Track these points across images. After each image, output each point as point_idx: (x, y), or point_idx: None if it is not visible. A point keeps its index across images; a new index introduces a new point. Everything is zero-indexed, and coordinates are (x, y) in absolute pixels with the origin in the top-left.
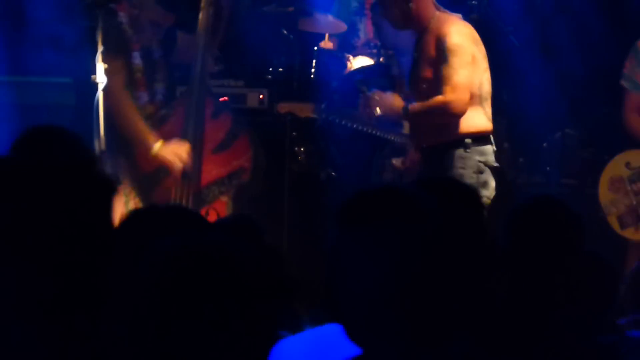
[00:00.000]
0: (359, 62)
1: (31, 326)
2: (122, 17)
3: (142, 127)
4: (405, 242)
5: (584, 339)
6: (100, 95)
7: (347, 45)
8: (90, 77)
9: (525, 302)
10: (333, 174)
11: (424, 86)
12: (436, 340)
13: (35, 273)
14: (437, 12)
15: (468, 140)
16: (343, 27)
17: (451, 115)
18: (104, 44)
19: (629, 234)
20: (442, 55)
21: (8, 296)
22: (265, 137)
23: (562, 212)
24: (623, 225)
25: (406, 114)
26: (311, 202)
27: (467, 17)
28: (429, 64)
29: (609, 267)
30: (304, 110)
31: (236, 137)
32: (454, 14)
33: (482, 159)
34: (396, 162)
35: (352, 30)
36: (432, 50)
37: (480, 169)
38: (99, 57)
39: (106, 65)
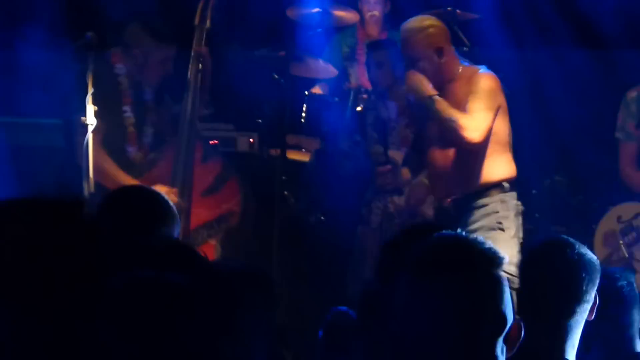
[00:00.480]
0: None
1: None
2: (118, 68)
3: (122, 177)
4: (469, 296)
5: None
6: (89, 136)
7: (338, 91)
8: (80, 118)
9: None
10: (322, 218)
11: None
12: None
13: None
14: (463, 65)
15: (506, 185)
16: (334, 72)
17: (460, 136)
18: (94, 87)
19: None
20: (473, 92)
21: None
22: (255, 181)
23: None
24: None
25: (431, 102)
26: (301, 247)
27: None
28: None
29: None
30: (297, 154)
31: (225, 180)
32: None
33: (517, 202)
34: (394, 201)
35: (343, 75)
36: (461, 97)
37: (519, 211)
38: (89, 99)
39: (96, 108)
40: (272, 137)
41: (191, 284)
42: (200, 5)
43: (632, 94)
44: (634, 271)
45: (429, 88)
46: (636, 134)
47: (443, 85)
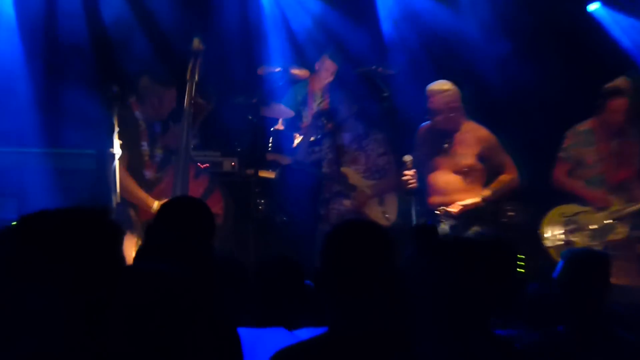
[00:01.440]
0: (300, 139)
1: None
2: (138, 115)
3: (142, 195)
4: (460, 268)
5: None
6: (117, 162)
7: (294, 127)
8: (109, 149)
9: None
10: (285, 219)
11: (466, 168)
12: (463, 327)
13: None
14: (466, 120)
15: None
16: (291, 113)
17: (515, 188)
18: (119, 126)
19: None
20: (493, 148)
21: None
22: (235, 192)
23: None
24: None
25: (488, 196)
26: (270, 240)
27: (379, 106)
28: (471, 154)
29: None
30: (266, 173)
31: (212, 191)
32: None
33: None
34: (345, 204)
35: (298, 115)
36: (474, 145)
37: None
38: (115, 135)
39: (121, 142)
40: (248, 161)
41: (186, 275)
42: (190, 64)
43: (581, 127)
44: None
45: (473, 200)
46: (577, 156)
47: (452, 133)
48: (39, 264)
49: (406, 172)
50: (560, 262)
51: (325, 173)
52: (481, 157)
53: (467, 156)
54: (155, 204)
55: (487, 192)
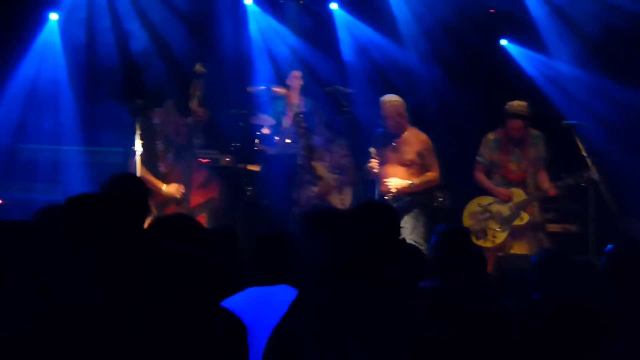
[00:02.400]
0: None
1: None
2: (157, 121)
3: (154, 180)
4: (337, 239)
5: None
6: (137, 158)
7: (276, 131)
8: (132, 147)
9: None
10: (267, 202)
11: (408, 162)
12: (349, 285)
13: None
14: (409, 125)
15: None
16: (273, 121)
17: (435, 185)
18: (140, 130)
19: (481, 243)
20: (428, 149)
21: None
22: (229, 181)
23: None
24: (478, 238)
25: (412, 185)
26: (256, 219)
27: (341, 118)
28: (413, 151)
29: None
30: (253, 167)
31: (211, 181)
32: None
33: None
34: (313, 190)
35: (279, 122)
36: (416, 145)
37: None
38: (137, 137)
39: (141, 142)
40: (239, 157)
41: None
42: (193, 83)
43: (491, 136)
44: (487, 233)
45: (404, 183)
46: (486, 157)
47: (399, 134)
48: (81, 233)
49: (371, 160)
50: (432, 238)
51: (299, 164)
52: (419, 155)
53: (409, 153)
54: (164, 187)
55: (415, 181)
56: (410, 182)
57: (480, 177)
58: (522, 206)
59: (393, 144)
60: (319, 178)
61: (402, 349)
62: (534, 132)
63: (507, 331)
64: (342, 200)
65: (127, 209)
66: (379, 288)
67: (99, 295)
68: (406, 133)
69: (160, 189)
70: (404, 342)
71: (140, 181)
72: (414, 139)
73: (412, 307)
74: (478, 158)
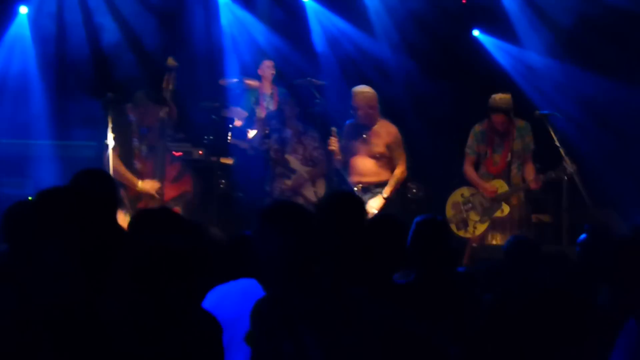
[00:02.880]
0: (253, 133)
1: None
2: (131, 116)
3: (129, 176)
4: (293, 233)
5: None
6: (110, 152)
7: (249, 123)
8: (104, 141)
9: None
10: (240, 194)
11: (377, 154)
12: (307, 279)
13: (74, 247)
14: (380, 118)
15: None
16: (245, 114)
17: (404, 178)
18: (112, 123)
19: (462, 233)
20: (397, 142)
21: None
22: (202, 174)
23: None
24: (458, 229)
25: (386, 198)
26: (229, 210)
27: (312, 109)
28: (382, 144)
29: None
30: (226, 159)
31: (183, 174)
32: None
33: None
34: (286, 183)
35: (251, 114)
36: (385, 137)
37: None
38: (110, 130)
39: (114, 135)
40: (212, 150)
41: (184, 245)
42: (165, 77)
43: (478, 127)
44: (467, 224)
45: (379, 202)
46: (474, 149)
47: (370, 126)
48: (52, 227)
49: (332, 138)
50: (411, 229)
51: (272, 158)
52: (388, 147)
53: (378, 145)
54: (140, 183)
55: (386, 193)
56: (384, 195)
57: (469, 170)
58: (503, 198)
59: (363, 135)
60: (292, 171)
61: (364, 342)
62: (521, 123)
63: (479, 322)
64: (316, 192)
65: (97, 202)
66: (343, 281)
67: (69, 289)
68: (376, 125)
69: (136, 185)
70: (367, 335)
71: (108, 175)
72: (383, 132)
73: (381, 300)
74: (467, 150)
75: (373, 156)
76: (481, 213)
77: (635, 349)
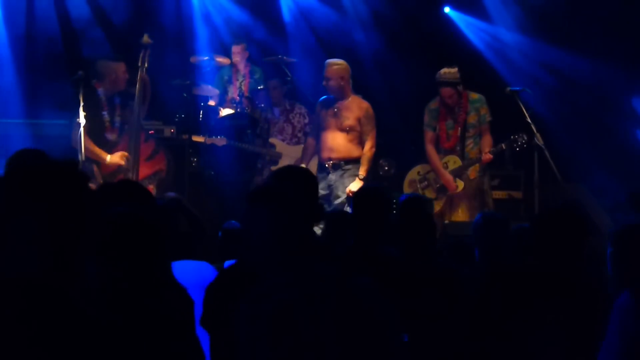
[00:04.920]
0: (226, 111)
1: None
2: (100, 92)
3: (97, 151)
4: (277, 214)
5: None
6: (81, 129)
7: (221, 101)
8: (76, 119)
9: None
10: (212, 172)
11: (347, 128)
12: (287, 257)
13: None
14: (352, 94)
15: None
16: (216, 92)
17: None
18: (84, 101)
19: None
20: (368, 117)
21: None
22: (174, 152)
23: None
24: None
25: (363, 179)
26: (201, 189)
27: (283, 86)
28: (353, 117)
29: None
30: (198, 138)
31: (157, 152)
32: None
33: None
34: (273, 169)
35: (223, 92)
36: (356, 111)
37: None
38: (81, 108)
39: (85, 113)
40: (183, 128)
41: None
42: (141, 55)
43: (432, 105)
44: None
45: (358, 184)
46: (433, 125)
47: (343, 99)
48: (22, 204)
49: None
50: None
51: (258, 151)
52: (359, 121)
53: (349, 119)
54: (108, 157)
55: (362, 174)
56: (361, 176)
57: (430, 150)
58: (456, 174)
59: (334, 109)
60: (278, 155)
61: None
62: (474, 95)
63: (460, 297)
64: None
65: (62, 178)
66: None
67: (36, 265)
68: (348, 99)
69: (104, 159)
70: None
71: (44, 154)
72: (354, 106)
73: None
74: (425, 128)
75: (343, 129)
76: (436, 190)
77: (630, 321)
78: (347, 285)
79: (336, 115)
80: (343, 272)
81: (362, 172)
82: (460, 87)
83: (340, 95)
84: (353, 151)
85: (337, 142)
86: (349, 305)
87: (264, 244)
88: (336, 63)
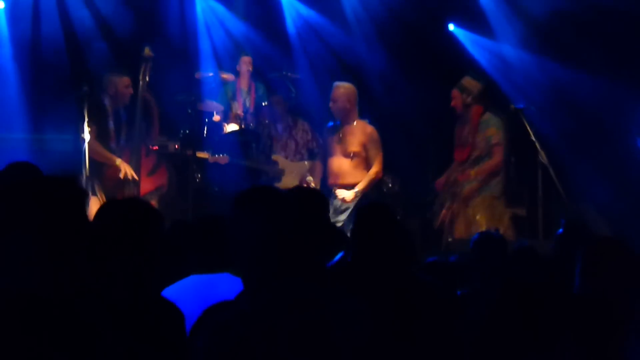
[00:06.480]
0: (230, 127)
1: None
2: (107, 103)
3: (108, 155)
4: (269, 220)
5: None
6: (86, 145)
7: (225, 117)
8: (81, 135)
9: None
10: (216, 189)
11: (352, 154)
12: (281, 273)
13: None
14: (358, 119)
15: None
16: (221, 108)
17: (378, 179)
18: (88, 116)
19: None
20: (373, 142)
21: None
22: (178, 168)
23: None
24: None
25: (358, 193)
26: (204, 205)
27: (287, 102)
28: (357, 143)
29: None
30: (202, 154)
31: (159, 167)
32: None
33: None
34: (277, 184)
35: (227, 109)
36: (360, 136)
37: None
38: (85, 124)
39: (89, 129)
40: (188, 144)
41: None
42: (142, 68)
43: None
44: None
45: (351, 193)
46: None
47: (347, 124)
48: (20, 218)
49: None
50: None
51: (260, 168)
52: (364, 146)
53: (354, 144)
54: (118, 161)
55: (358, 188)
56: (356, 190)
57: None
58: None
59: (340, 135)
60: (281, 172)
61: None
62: (486, 117)
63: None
64: (316, 184)
65: (60, 192)
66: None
67: (35, 278)
68: (353, 124)
69: (114, 161)
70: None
71: (35, 168)
72: (359, 131)
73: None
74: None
75: (347, 155)
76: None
77: None
78: (321, 312)
79: (341, 141)
80: (327, 296)
81: (359, 186)
82: (469, 99)
83: (345, 119)
84: (358, 177)
85: (342, 168)
86: (316, 335)
87: (250, 255)
88: (343, 86)
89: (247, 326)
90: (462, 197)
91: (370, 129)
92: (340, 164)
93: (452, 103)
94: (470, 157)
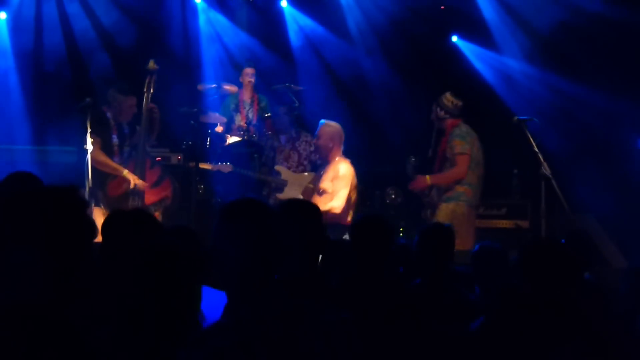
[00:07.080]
0: (233, 139)
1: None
2: (109, 115)
3: (115, 165)
4: (254, 233)
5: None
6: (89, 156)
7: (228, 129)
8: (84, 146)
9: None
10: (219, 200)
11: (321, 190)
12: (265, 285)
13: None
14: (340, 156)
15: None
16: (224, 119)
17: (330, 214)
18: (91, 127)
19: None
20: (339, 177)
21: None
22: (181, 179)
23: None
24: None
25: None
26: (207, 217)
27: (289, 112)
28: (327, 179)
29: None
30: (205, 165)
31: (163, 179)
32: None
33: None
34: (279, 196)
35: (230, 120)
36: (331, 173)
37: None
38: (88, 135)
39: (92, 140)
40: (191, 155)
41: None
42: (147, 80)
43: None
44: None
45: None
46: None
47: (328, 162)
48: (23, 229)
49: None
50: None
51: (263, 179)
52: (333, 183)
53: (324, 181)
54: (125, 172)
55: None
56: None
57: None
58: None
59: (321, 173)
60: (284, 182)
61: None
62: (457, 129)
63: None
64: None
65: (62, 203)
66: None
67: (36, 292)
68: (333, 162)
69: (122, 172)
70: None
71: (36, 178)
72: (334, 169)
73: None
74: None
75: (318, 191)
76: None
77: None
78: (305, 324)
79: (319, 178)
80: (311, 309)
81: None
82: (442, 113)
83: (326, 157)
84: (326, 213)
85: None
86: (300, 347)
87: (234, 267)
88: (329, 125)
89: (227, 339)
90: (430, 204)
91: (345, 167)
92: (314, 200)
93: (431, 117)
94: (444, 167)
